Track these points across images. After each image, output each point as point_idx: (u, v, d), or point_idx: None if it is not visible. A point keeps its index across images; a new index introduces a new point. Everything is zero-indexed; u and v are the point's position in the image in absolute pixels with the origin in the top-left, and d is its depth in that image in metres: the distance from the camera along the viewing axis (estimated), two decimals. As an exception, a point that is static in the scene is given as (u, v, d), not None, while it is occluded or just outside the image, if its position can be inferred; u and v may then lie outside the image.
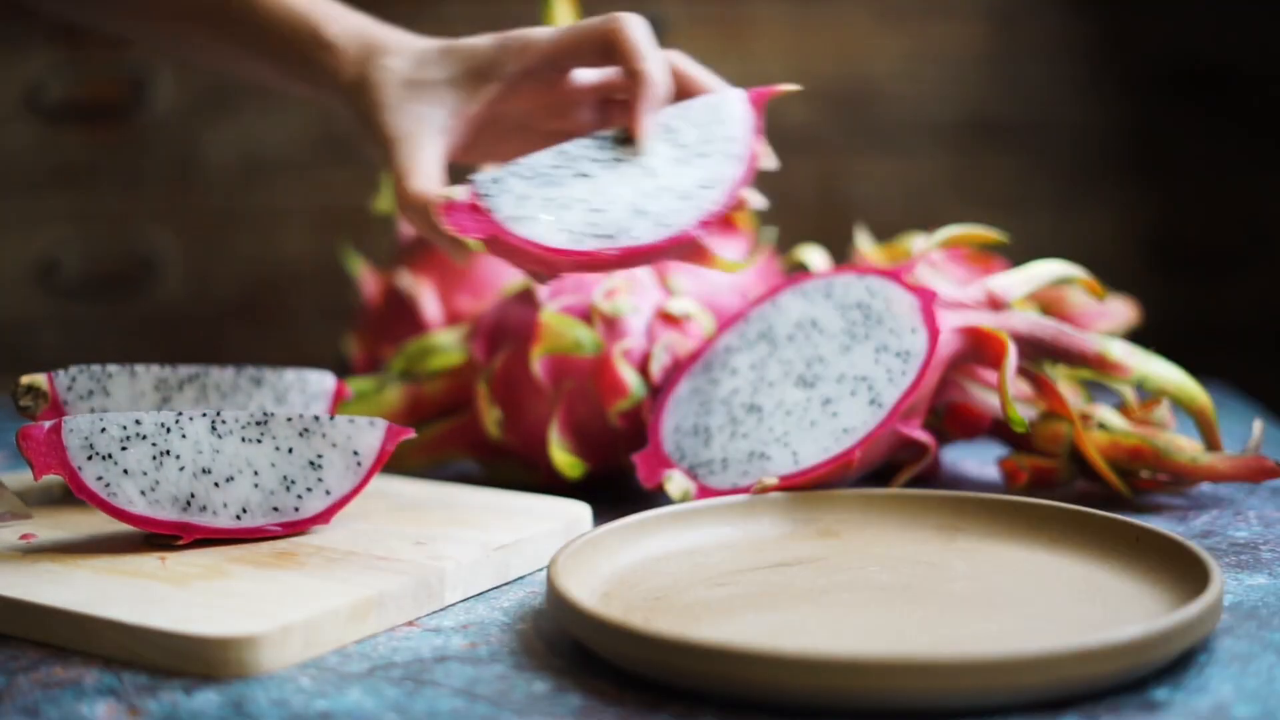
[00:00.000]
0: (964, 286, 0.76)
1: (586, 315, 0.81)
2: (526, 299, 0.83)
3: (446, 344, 0.84)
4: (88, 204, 1.39)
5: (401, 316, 1.00)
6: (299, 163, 1.36)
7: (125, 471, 0.62)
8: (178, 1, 0.77)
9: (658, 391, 0.80)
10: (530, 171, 0.67)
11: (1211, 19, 1.36)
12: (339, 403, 0.80)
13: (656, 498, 0.81)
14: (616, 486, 0.83)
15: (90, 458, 0.62)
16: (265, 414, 0.65)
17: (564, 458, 0.79)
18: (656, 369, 0.80)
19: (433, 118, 0.71)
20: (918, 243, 0.80)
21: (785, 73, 1.38)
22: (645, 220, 0.66)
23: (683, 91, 0.73)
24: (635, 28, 0.69)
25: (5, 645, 0.57)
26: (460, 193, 0.66)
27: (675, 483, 0.72)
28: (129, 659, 0.55)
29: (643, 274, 0.85)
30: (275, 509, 0.65)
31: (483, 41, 0.73)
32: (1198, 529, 0.71)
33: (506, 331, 0.82)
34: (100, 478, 0.62)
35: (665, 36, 1.37)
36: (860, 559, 0.63)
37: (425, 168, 0.69)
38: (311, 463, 0.65)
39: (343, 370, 1.03)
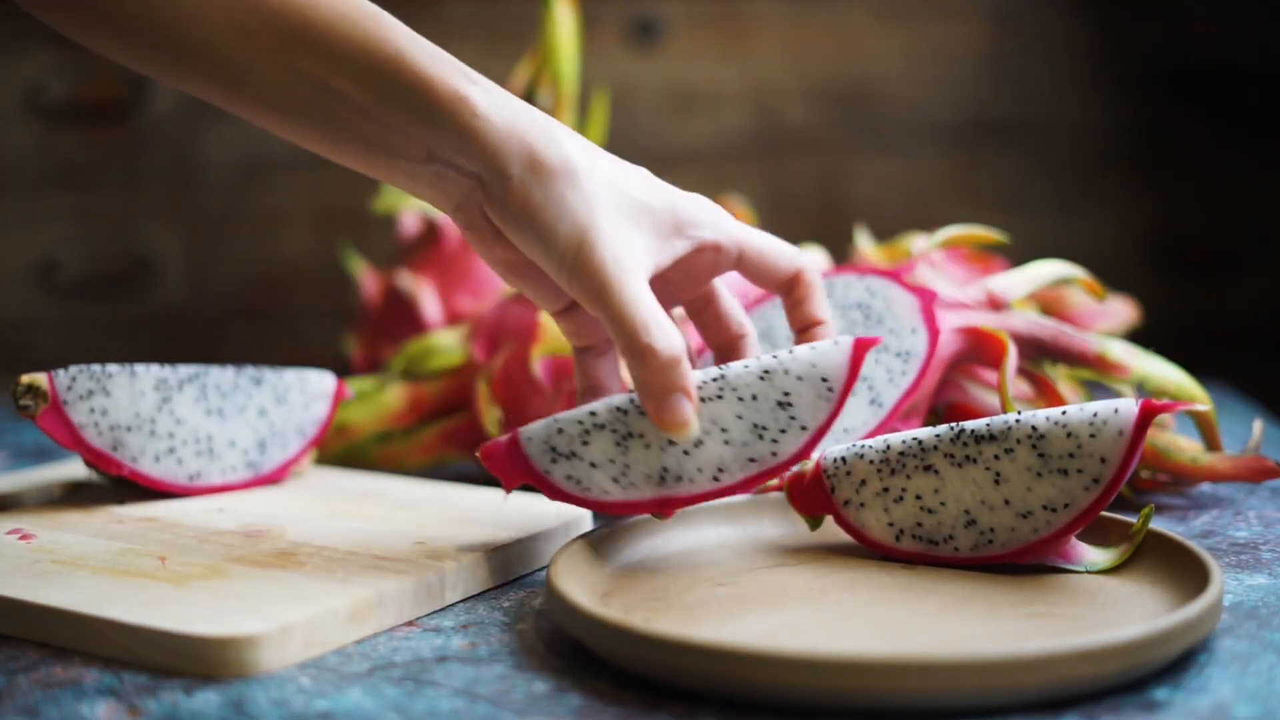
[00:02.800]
0: (964, 287, 0.76)
1: (586, 315, 0.81)
2: (527, 299, 0.83)
3: (446, 344, 0.84)
4: (88, 204, 1.39)
5: (401, 316, 1.00)
6: (299, 163, 1.36)
7: (593, 465, 0.60)
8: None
9: (658, 391, 0.80)
10: (878, 455, 0.62)
11: (1211, 19, 1.36)
12: (339, 402, 0.80)
13: (656, 498, 0.80)
14: (616, 486, 0.83)
15: (555, 460, 0.60)
16: (720, 372, 0.60)
17: (564, 458, 0.79)
18: (656, 369, 0.80)
19: (643, 252, 0.59)
20: (918, 243, 0.80)
21: (785, 73, 1.38)
22: (971, 531, 0.60)
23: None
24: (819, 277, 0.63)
25: (5, 645, 0.57)
26: (810, 466, 0.63)
27: (675, 483, 0.72)
28: (129, 659, 0.55)
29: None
30: (752, 460, 0.60)
31: (673, 189, 0.62)
32: (1198, 529, 0.71)
33: (506, 331, 0.82)
34: (570, 476, 0.60)
35: (664, 37, 1.37)
36: (860, 559, 0.63)
37: (663, 317, 0.57)
38: (779, 403, 0.60)
39: (343, 370, 1.03)
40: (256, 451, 0.76)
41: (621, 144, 1.31)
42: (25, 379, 0.70)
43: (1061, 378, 0.76)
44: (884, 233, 1.14)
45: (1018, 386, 0.76)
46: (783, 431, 0.60)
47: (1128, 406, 0.59)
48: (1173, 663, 0.52)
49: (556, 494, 0.61)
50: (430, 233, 1.03)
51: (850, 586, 0.59)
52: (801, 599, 0.58)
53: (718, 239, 0.62)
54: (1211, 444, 0.75)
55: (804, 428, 0.60)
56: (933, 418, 0.76)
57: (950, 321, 0.73)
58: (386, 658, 0.55)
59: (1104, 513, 0.62)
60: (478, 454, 0.61)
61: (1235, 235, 1.39)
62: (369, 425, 0.84)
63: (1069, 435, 0.60)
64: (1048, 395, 0.74)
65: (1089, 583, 0.59)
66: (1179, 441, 0.76)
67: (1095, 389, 0.89)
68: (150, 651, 0.54)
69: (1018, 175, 1.39)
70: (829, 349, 0.60)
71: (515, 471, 0.60)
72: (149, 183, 1.40)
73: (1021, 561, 0.60)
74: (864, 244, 0.92)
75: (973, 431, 0.61)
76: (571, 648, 0.56)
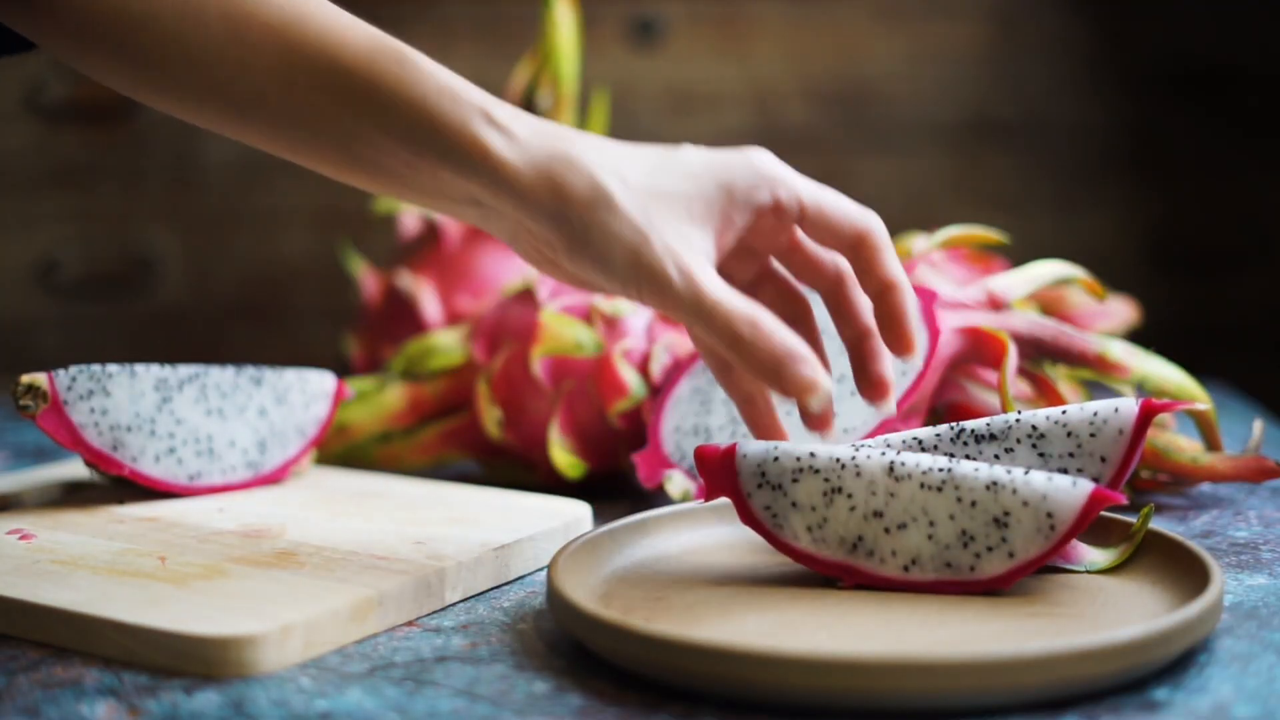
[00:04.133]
0: (964, 287, 0.76)
1: (586, 315, 0.81)
2: (526, 299, 0.83)
3: (446, 344, 0.84)
4: (88, 204, 1.39)
5: (401, 316, 1.00)
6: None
7: (794, 505, 0.59)
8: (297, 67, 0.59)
9: (658, 391, 0.80)
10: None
11: (1211, 19, 1.36)
12: (339, 402, 0.80)
13: (656, 498, 0.81)
14: (616, 486, 0.83)
15: (760, 486, 0.59)
16: (948, 464, 0.58)
17: (564, 458, 0.79)
18: (656, 369, 0.80)
19: (702, 242, 0.58)
20: (918, 243, 0.80)
21: (785, 73, 1.38)
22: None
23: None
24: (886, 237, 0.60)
25: (5, 645, 0.57)
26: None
27: (675, 483, 0.72)
28: (129, 659, 0.55)
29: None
30: (948, 565, 0.58)
31: (723, 156, 0.60)
32: (1198, 529, 0.71)
33: (506, 331, 0.82)
34: (768, 507, 0.59)
35: (664, 37, 1.37)
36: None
37: (736, 300, 0.56)
38: (996, 520, 0.57)
39: (343, 370, 1.03)
40: (256, 451, 0.76)
41: (621, 144, 1.31)
42: (25, 379, 0.70)
43: (1061, 378, 0.76)
44: (884, 233, 1.14)
45: (1018, 386, 0.76)
46: (989, 549, 0.57)
47: (1128, 406, 0.59)
48: (1173, 663, 0.52)
49: (749, 519, 0.60)
50: (430, 233, 1.03)
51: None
52: (801, 599, 0.58)
53: (775, 197, 0.59)
54: (1211, 444, 0.75)
55: (1011, 554, 0.57)
56: (933, 418, 0.76)
57: (950, 321, 0.73)
58: (386, 658, 0.55)
59: (1104, 512, 0.61)
60: (695, 451, 0.60)
61: (1235, 235, 1.39)
62: (369, 425, 0.84)
63: (1069, 435, 0.60)
64: (1048, 395, 0.74)
65: (1089, 583, 0.59)
66: (1179, 441, 0.76)
67: (1095, 389, 0.89)
68: (150, 651, 0.54)
69: (1018, 175, 1.39)
70: (1066, 486, 0.56)
71: (720, 482, 0.59)
72: (149, 183, 1.40)
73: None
74: (864, 244, 0.91)
75: (973, 431, 0.61)
76: (571, 648, 0.56)
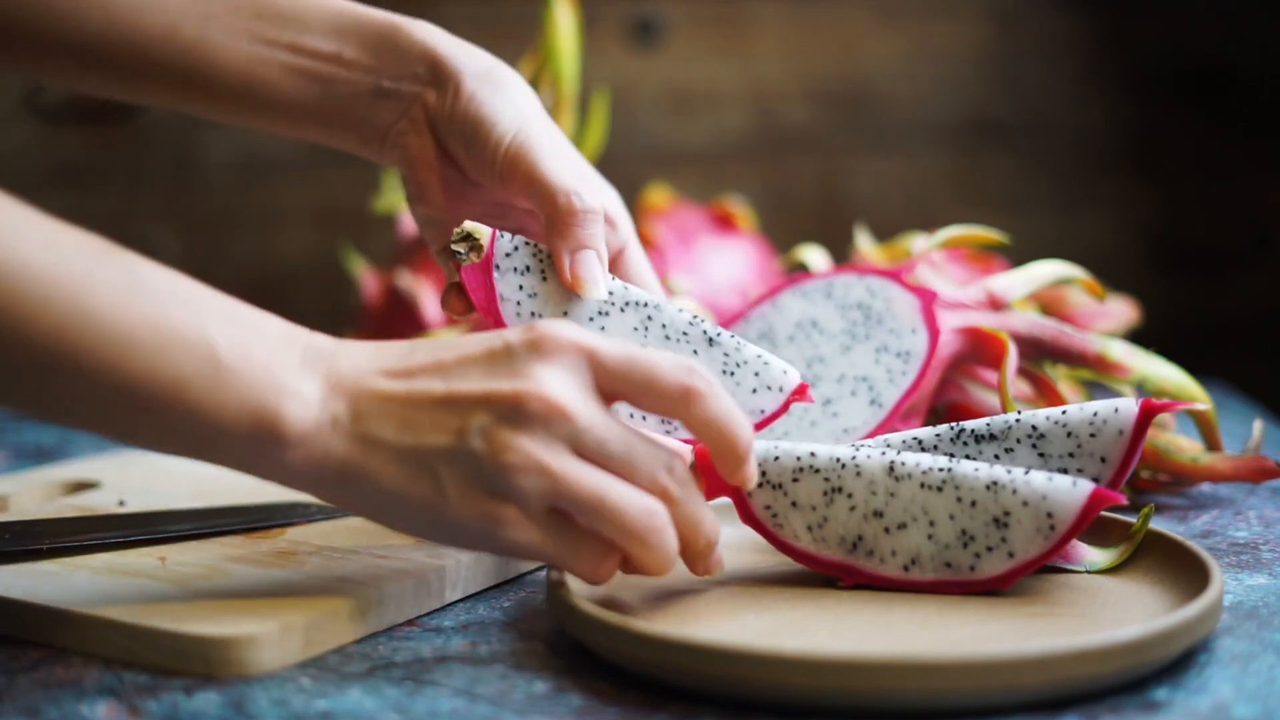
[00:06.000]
0: (964, 287, 0.76)
1: (586, 315, 0.80)
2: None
3: (446, 344, 0.84)
4: (88, 204, 1.39)
5: (401, 316, 1.00)
6: (299, 163, 1.36)
7: (794, 504, 0.59)
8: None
9: (658, 391, 0.80)
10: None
11: (1211, 19, 1.36)
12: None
13: (656, 498, 0.80)
14: (616, 486, 0.83)
15: (761, 485, 0.59)
16: (948, 464, 0.58)
17: (564, 458, 0.79)
18: (656, 369, 0.80)
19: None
20: (918, 243, 0.80)
21: (785, 73, 1.38)
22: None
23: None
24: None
25: (5, 645, 0.57)
26: None
27: (675, 483, 0.72)
28: (129, 659, 0.55)
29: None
30: (948, 564, 0.58)
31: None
32: (1198, 529, 0.71)
33: (506, 331, 0.82)
34: (769, 507, 0.59)
35: (664, 37, 1.37)
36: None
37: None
38: (996, 520, 0.57)
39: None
40: None
41: (621, 144, 1.31)
42: (468, 225, 0.63)
43: (1061, 378, 0.76)
44: (884, 233, 1.14)
45: (1018, 386, 0.76)
46: (989, 549, 0.57)
47: (1128, 406, 0.59)
48: (1173, 663, 0.52)
49: (749, 519, 0.60)
50: (430, 233, 1.03)
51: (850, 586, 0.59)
52: (801, 599, 0.58)
53: None
54: (1211, 444, 0.75)
55: (1011, 554, 0.57)
56: (933, 418, 0.76)
57: (950, 321, 0.73)
58: (386, 658, 0.55)
59: (1104, 513, 0.61)
60: (693, 454, 0.59)
61: (1235, 235, 1.39)
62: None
63: (1069, 435, 0.60)
64: (1048, 395, 0.74)
65: (1089, 582, 0.59)
66: (1179, 441, 0.76)
67: (1095, 389, 0.89)
68: (150, 651, 0.54)
69: (1018, 175, 1.39)
70: (1066, 486, 0.56)
71: (720, 482, 0.59)
72: (149, 183, 1.40)
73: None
74: (864, 244, 0.92)
75: (973, 431, 0.61)
76: (571, 648, 0.56)
